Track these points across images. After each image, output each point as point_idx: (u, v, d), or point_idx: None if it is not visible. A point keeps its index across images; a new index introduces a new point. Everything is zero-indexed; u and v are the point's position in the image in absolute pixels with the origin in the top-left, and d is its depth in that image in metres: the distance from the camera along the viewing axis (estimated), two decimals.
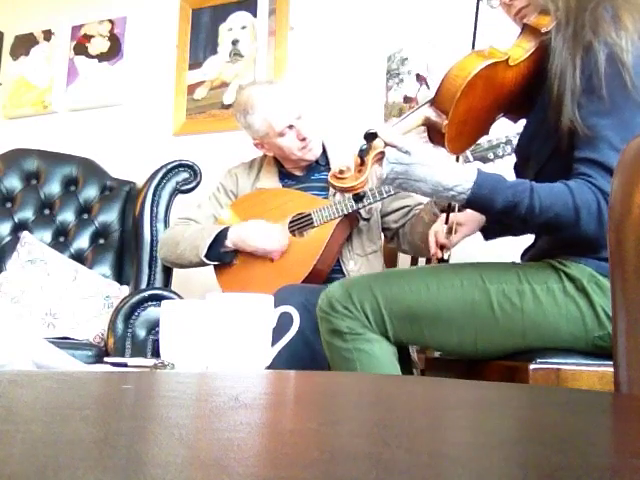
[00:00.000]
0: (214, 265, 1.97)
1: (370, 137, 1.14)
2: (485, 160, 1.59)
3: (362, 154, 1.13)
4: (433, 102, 1.20)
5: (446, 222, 1.53)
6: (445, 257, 1.55)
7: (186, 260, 1.97)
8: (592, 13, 1.14)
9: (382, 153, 1.14)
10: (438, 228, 1.54)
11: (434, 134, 1.21)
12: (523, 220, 1.14)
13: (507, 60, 1.19)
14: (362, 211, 1.90)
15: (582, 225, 1.11)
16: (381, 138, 1.14)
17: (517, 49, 1.22)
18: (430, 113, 1.20)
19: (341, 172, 1.14)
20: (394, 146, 1.13)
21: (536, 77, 1.22)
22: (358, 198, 1.19)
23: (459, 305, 1.19)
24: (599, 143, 1.11)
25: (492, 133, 1.43)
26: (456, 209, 1.51)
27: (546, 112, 1.18)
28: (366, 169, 1.13)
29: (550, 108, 1.17)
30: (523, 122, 1.33)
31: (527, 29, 1.23)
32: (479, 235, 1.53)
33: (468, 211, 1.52)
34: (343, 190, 1.17)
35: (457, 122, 1.19)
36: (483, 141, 1.62)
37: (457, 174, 1.13)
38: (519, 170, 1.32)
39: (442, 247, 1.52)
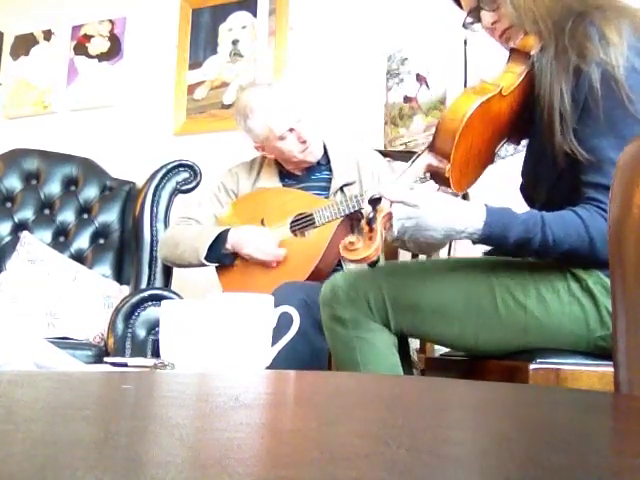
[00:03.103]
0: (215, 265, 1.97)
1: (375, 202, 1.13)
2: None
3: (370, 222, 1.12)
4: (432, 148, 1.18)
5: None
6: None
7: (186, 261, 1.97)
8: (573, 35, 1.13)
9: (389, 214, 1.13)
10: None
11: (439, 179, 1.20)
12: (537, 253, 1.14)
13: (500, 91, 1.18)
14: (363, 211, 1.89)
15: (598, 253, 1.10)
16: (387, 199, 1.13)
17: (508, 75, 1.20)
18: (431, 160, 1.19)
19: (351, 243, 1.12)
20: (401, 202, 1.12)
21: (530, 99, 1.21)
22: (372, 264, 1.17)
23: (462, 298, 1.19)
24: (604, 165, 1.09)
25: None
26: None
27: (543, 136, 1.18)
28: (376, 235, 1.12)
29: (544, 133, 1.16)
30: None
31: (515, 53, 1.21)
32: None
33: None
34: (358, 262, 1.14)
35: (460, 163, 1.18)
36: None
37: (467, 216, 1.12)
38: (528, 192, 1.31)
39: None
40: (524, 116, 1.24)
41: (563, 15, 1.15)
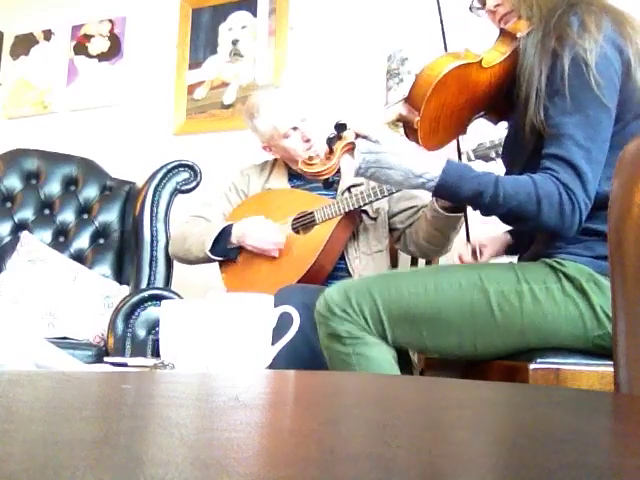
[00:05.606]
0: (219, 262, 1.98)
1: (340, 127, 1.20)
2: (487, 159, 1.59)
3: (330, 142, 1.20)
4: (407, 99, 1.25)
5: (468, 240, 1.55)
6: None
7: (193, 255, 1.99)
8: (559, 20, 1.18)
9: (352, 144, 1.19)
10: (462, 250, 1.56)
11: (408, 130, 1.26)
12: (487, 208, 1.17)
13: (480, 62, 1.23)
14: (369, 210, 1.92)
15: (543, 216, 1.14)
16: (351, 129, 1.19)
17: (492, 52, 1.26)
18: (403, 109, 1.24)
19: (310, 158, 1.23)
20: (364, 136, 1.18)
21: (512, 80, 1.25)
22: (327, 184, 1.26)
23: (458, 306, 1.19)
24: (564, 140, 1.15)
25: (494, 132, 1.43)
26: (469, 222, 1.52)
27: (519, 115, 1.21)
28: (334, 157, 1.20)
29: (520, 112, 1.21)
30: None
31: (504, 34, 1.27)
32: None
33: (490, 232, 1.53)
34: (311, 175, 1.23)
35: (429, 118, 1.23)
36: (485, 140, 1.62)
37: (426, 162, 1.17)
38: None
39: None
40: (503, 95, 1.28)
41: (557, 4, 1.21)
